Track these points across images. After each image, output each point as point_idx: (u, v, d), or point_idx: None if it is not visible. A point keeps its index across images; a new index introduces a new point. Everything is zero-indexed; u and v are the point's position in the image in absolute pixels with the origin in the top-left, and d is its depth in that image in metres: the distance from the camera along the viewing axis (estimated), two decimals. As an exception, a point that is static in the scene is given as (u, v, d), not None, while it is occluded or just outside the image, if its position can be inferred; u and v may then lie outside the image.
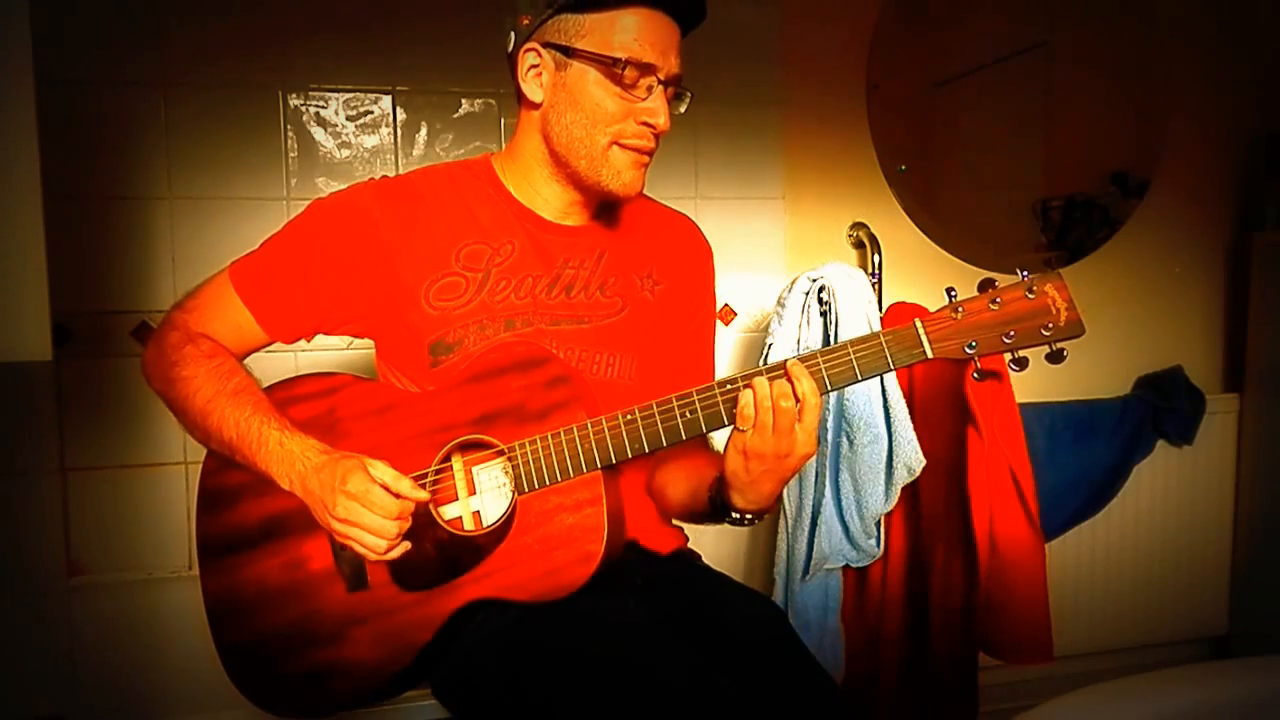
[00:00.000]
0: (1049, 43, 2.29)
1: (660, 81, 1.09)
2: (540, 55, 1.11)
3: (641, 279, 1.22)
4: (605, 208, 1.23)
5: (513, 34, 1.13)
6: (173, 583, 1.74)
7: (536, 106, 1.13)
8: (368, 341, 1.21)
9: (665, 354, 1.23)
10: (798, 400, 0.98)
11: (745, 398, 0.99)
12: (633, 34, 1.07)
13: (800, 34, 2.03)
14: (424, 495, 1.03)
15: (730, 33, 1.99)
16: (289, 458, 1.04)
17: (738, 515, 1.09)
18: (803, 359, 1.00)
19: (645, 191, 1.29)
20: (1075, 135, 2.34)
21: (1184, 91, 2.29)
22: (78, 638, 1.69)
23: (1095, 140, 2.35)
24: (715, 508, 1.12)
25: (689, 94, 1.14)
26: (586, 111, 1.09)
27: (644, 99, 1.09)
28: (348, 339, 1.62)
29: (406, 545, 1.03)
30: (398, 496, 1.01)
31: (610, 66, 1.07)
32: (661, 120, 1.09)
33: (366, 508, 0.99)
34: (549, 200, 1.18)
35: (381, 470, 1.01)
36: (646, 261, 1.23)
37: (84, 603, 1.70)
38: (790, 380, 0.99)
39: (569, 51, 1.08)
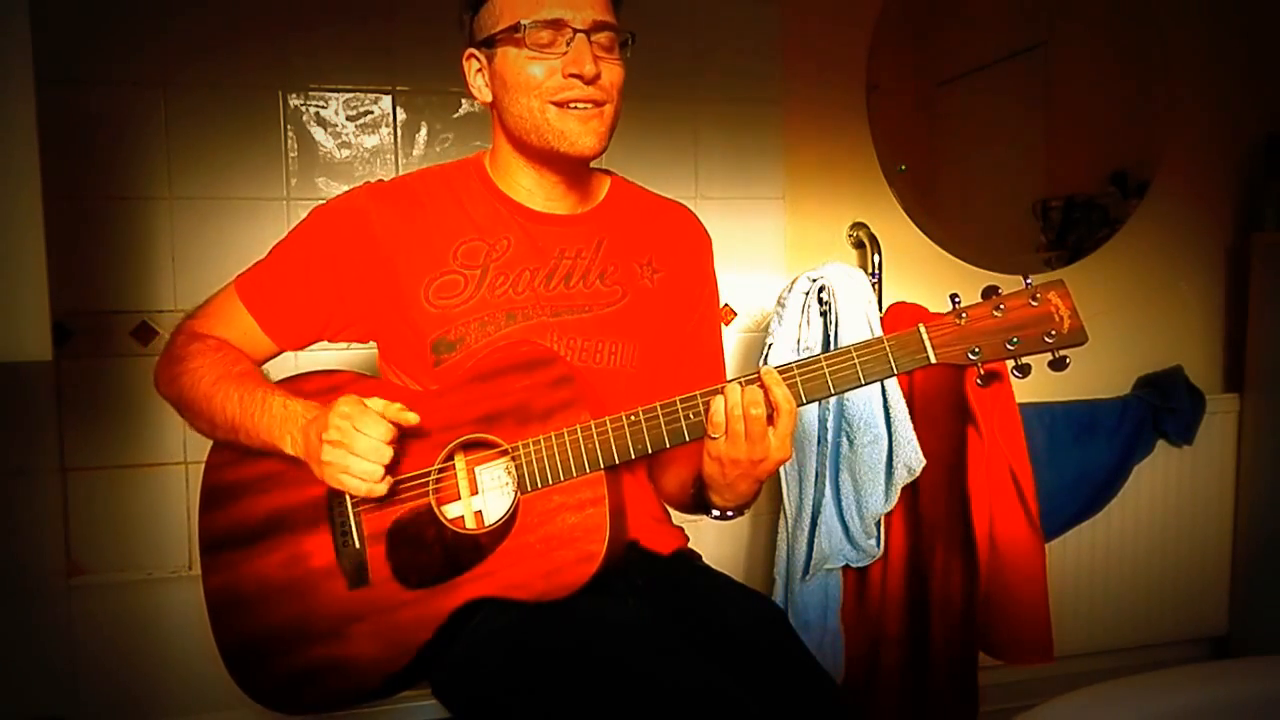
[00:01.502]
0: (1049, 43, 2.28)
1: (579, 31, 1.08)
2: (476, 57, 1.15)
3: (641, 267, 1.22)
4: (600, 196, 1.24)
5: None
6: (173, 583, 1.74)
7: (491, 105, 1.16)
8: (369, 342, 1.22)
9: (669, 342, 1.24)
10: (771, 407, 0.99)
11: (716, 405, 1.01)
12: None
13: (800, 33, 2.03)
14: (413, 418, 1.04)
15: (730, 32, 1.99)
16: (291, 417, 1.06)
17: (718, 513, 1.13)
18: (800, 365, 1.01)
19: (645, 190, 1.30)
20: (1075, 135, 2.34)
21: (1184, 92, 2.28)
22: (78, 638, 1.69)
23: (1095, 140, 2.35)
24: (697, 503, 1.15)
25: (630, 35, 1.12)
26: (519, 86, 1.10)
27: (565, 53, 1.08)
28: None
29: (391, 480, 1.03)
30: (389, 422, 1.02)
31: (515, 33, 1.08)
32: (587, 67, 1.07)
33: (358, 429, 1.00)
34: (530, 189, 1.18)
35: (373, 399, 1.03)
36: (645, 249, 1.23)
37: (84, 603, 1.70)
38: (764, 389, 1.00)
39: (491, 41, 1.11)
